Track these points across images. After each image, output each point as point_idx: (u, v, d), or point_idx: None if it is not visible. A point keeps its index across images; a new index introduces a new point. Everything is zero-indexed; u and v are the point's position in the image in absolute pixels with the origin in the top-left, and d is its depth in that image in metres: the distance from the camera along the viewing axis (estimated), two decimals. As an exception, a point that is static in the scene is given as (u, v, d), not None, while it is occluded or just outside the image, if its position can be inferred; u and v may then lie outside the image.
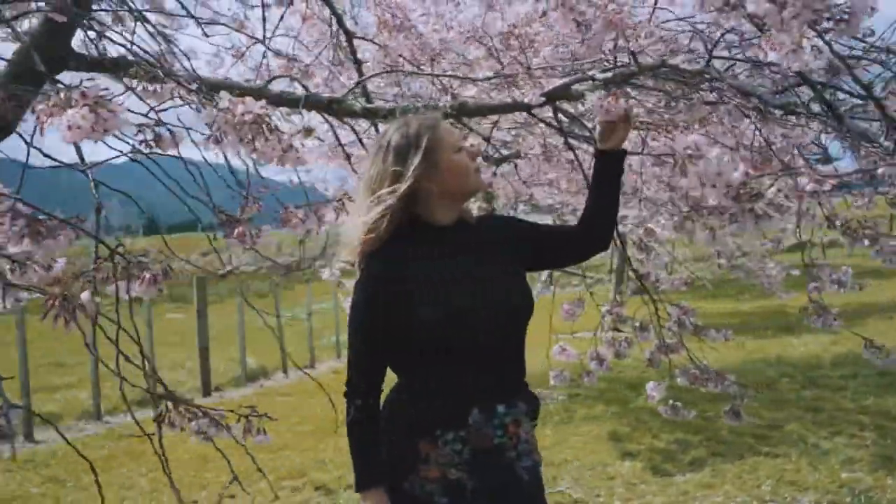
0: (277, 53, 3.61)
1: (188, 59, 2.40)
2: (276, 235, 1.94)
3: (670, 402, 3.03)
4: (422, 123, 1.72)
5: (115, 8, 2.71)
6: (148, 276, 1.24)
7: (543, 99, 2.46)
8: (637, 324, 3.12)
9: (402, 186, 1.63)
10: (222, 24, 3.32)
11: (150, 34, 2.69)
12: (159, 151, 1.20)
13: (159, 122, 1.18)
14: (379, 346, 1.66)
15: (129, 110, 1.12)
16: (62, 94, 0.99)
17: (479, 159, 1.98)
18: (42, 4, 2.12)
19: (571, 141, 2.55)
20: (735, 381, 2.99)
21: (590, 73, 2.30)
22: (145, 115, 1.22)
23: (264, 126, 1.19)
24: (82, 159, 1.12)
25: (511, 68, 2.51)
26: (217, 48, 3.82)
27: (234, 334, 9.03)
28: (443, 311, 1.60)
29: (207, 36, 3.05)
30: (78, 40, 2.55)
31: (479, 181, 1.77)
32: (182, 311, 14.07)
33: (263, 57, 3.32)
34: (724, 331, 3.05)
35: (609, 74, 2.23)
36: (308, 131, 1.82)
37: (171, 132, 1.19)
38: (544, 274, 7.23)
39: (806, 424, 5.55)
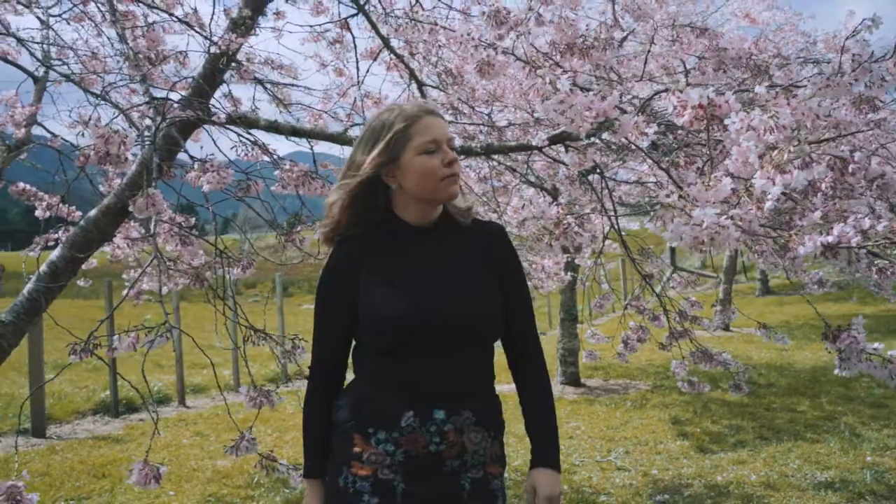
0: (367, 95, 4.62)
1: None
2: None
3: (687, 378, 3.67)
4: (401, 114, 1.55)
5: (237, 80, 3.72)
6: (240, 265, 2.16)
7: (548, 142, 3.23)
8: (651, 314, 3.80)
9: (360, 176, 1.54)
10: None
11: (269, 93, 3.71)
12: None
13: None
14: (335, 332, 1.60)
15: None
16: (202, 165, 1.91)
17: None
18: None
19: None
20: (728, 360, 3.61)
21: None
22: (244, 172, 2.15)
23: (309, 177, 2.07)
24: (206, 198, 2.02)
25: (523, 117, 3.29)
26: (326, 88, 4.82)
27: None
28: (388, 309, 1.51)
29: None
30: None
31: (445, 190, 1.56)
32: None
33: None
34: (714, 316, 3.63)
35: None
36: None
37: (255, 181, 2.11)
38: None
39: (862, 418, 5.90)
